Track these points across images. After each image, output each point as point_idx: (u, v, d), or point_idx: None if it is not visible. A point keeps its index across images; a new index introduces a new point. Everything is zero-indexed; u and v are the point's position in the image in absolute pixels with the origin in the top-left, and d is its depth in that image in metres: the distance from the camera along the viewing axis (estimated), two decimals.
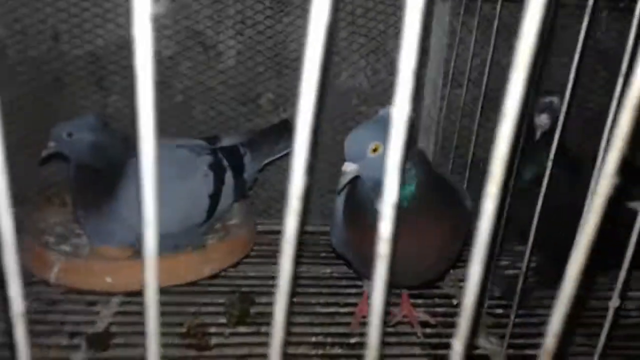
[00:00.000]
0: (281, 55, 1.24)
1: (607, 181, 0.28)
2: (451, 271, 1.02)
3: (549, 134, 0.89)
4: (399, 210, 0.76)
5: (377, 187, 0.70)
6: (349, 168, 0.69)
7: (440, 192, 0.74)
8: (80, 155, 0.92)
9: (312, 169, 0.29)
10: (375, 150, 0.69)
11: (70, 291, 0.89)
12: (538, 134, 0.94)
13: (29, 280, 0.94)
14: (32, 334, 0.85)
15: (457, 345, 0.30)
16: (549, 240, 0.73)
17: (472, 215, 0.77)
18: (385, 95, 1.30)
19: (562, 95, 0.85)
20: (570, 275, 0.31)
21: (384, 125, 0.73)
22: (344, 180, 0.69)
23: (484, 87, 0.98)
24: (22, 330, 0.28)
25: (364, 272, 0.85)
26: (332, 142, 1.24)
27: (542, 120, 0.94)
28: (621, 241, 0.52)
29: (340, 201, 0.81)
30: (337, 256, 0.97)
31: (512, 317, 0.77)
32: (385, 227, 0.29)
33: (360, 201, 0.73)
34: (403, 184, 0.71)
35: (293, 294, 0.93)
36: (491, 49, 0.98)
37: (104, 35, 1.18)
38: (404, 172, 0.70)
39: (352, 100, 1.31)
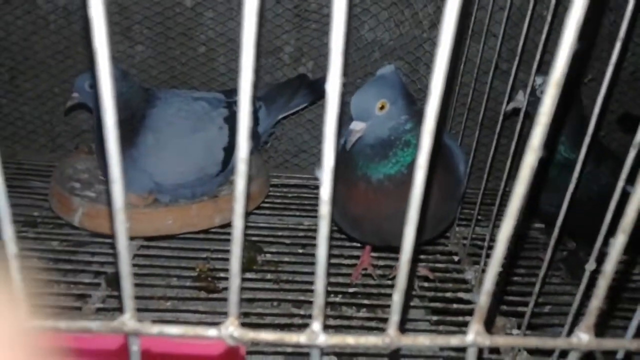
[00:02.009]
0: (301, 7, 1.24)
1: (533, 154, 0.30)
2: (456, 229, 1.04)
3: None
4: (398, 176, 0.78)
5: (380, 145, 0.72)
6: (359, 127, 0.71)
7: (436, 156, 0.76)
8: None
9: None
10: (382, 108, 0.71)
11: (95, 234, 0.97)
12: (509, 107, 0.93)
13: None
14: (61, 272, 0.93)
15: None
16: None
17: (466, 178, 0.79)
18: (408, 49, 1.29)
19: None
20: (501, 239, 0.33)
21: (388, 83, 0.74)
22: (354, 138, 0.71)
23: (499, 43, 0.95)
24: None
25: (350, 232, 0.87)
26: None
27: (518, 97, 0.93)
28: None
29: None
30: None
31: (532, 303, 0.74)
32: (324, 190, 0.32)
33: (349, 160, 0.75)
34: (403, 149, 0.72)
35: (299, 244, 0.97)
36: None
37: None
38: (403, 133, 0.72)
39: (374, 54, 1.30)
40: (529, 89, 0.78)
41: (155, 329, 0.34)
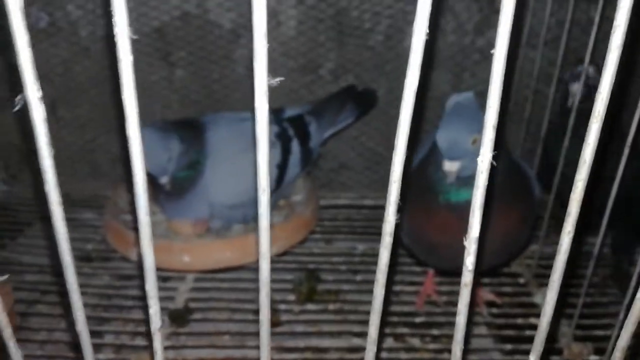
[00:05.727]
0: (343, 24, 1.28)
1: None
2: None
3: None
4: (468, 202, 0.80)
5: (469, 177, 0.74)
6: (454, 167, 0.71)
7: (512, 181, 0.78)
8: None
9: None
10: (474, 142, 0.71)
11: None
12: (570, 101, 1.01)
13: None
14: (114, 308, 0.97)
15: None
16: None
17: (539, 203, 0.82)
18: (454, 59, 1.31)
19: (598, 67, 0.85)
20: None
21: (472, 114, 0.73)
22: (451, 179, 0.72)
23: (561, 51, 0.97)
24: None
25: (424, 258, 0.90)
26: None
27: (575, 89, 0.97)
28: None
29: None
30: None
31: (581, 300, 0.81)
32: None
33: (428, 188, 0.77)
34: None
35: (356, 271, 1.01)
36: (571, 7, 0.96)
37: (169, 11, 1.26)
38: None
39: None
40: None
41: None
